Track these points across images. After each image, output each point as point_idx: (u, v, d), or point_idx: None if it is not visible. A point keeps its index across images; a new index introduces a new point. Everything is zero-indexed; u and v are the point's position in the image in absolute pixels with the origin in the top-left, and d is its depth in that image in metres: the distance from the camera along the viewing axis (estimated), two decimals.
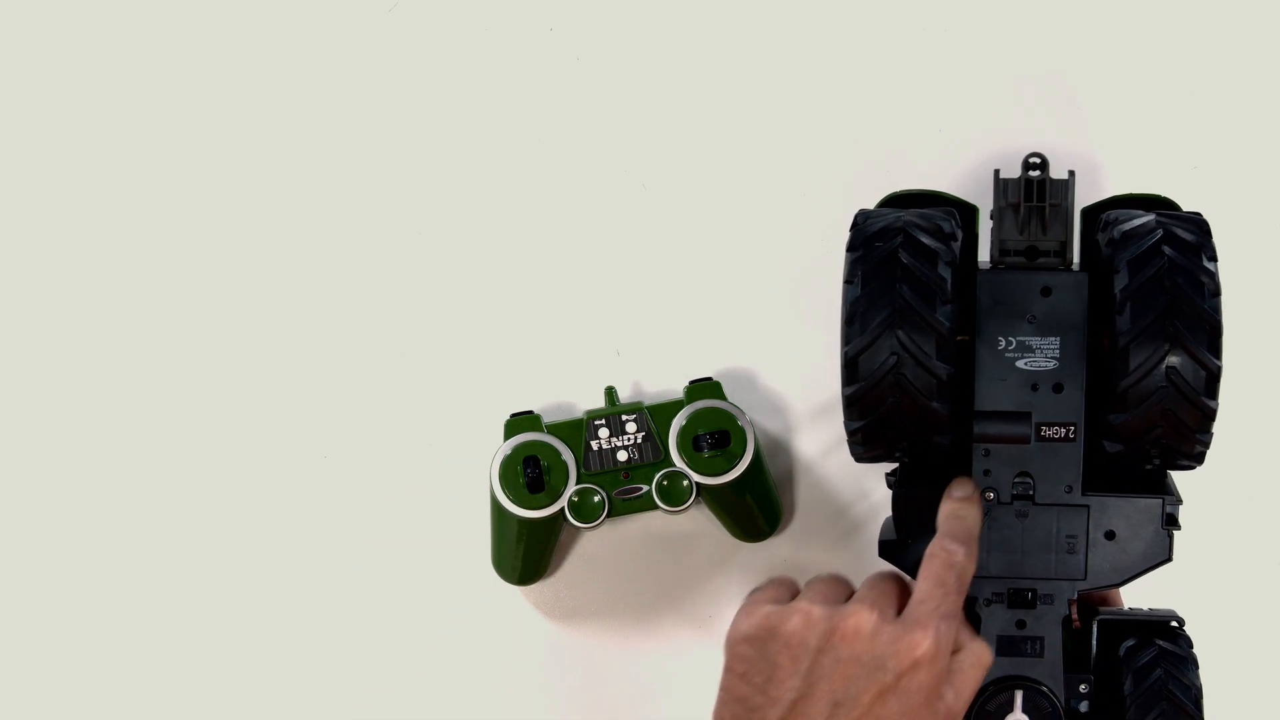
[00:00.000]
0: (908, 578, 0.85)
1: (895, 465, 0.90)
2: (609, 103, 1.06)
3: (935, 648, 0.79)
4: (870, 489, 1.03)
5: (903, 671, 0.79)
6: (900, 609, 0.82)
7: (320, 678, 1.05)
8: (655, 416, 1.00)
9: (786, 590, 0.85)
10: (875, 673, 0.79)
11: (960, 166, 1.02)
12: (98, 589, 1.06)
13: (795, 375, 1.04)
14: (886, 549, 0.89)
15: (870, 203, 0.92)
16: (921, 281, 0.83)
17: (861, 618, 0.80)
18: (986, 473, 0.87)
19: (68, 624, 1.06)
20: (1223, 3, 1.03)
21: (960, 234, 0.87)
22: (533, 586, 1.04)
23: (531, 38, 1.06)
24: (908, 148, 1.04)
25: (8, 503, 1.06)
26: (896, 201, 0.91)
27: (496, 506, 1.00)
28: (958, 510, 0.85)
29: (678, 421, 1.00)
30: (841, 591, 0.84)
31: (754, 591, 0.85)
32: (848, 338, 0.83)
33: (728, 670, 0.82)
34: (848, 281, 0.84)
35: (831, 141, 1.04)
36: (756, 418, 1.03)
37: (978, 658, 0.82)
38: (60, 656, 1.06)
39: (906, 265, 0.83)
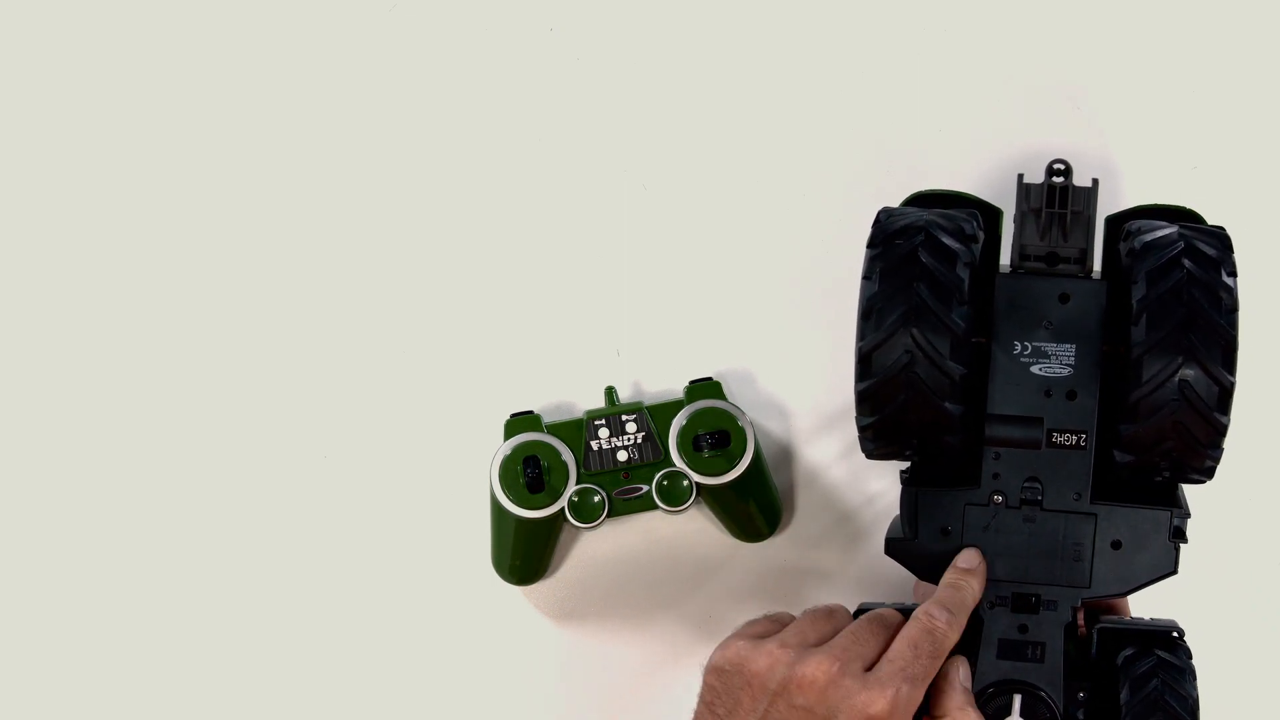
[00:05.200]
0: (898, 617, 0.85)
1: (908, 464, 0.90)
2: (609, 103, 1.06)
3: (890, 709, 0.80)
4: (871, 489, 1.03)
5: None
6: (871, 659, 0.82)
7: (320, 678, 1.05)
8: (655, 416, 1.00)
9: (775, 625, 0.86)
10: None
11: (963, 170, 1.02)
12: (98, 589, 1.06)
13: (795, 375, 1.04)
14: (893, 547, 0.89)
15: (870, 203, 0.92)
16: (939, 281, 0.83)
17: (821, 668, 0.81)
18: (996, 476, 0.87)
19: (67, 624, 1.06)
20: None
21: (982, 236, 0.87)
22: (533, 586, 1.04)
23: (531, 38, 1.06)
24: (910, 148, 1.04)
25: (8, 503, 1.06)
26: (921, 201, 0.92)
27: (496, 506, 1.00)
28: (956, 580, 0.86)
29: (678, 421, 1.00)
30: (825, 629, 0.85)
31: (746, 623, 0.87)
32: (863, 333, 0.84)
33: (700, 698, 0.85)
34: (866, 277, 0.84)
35: (832, 142, 1.04)
36: (757, 418, 1.03)
37: None
38: (60, 656, 1.06)
39: (925, 264, 0.83)
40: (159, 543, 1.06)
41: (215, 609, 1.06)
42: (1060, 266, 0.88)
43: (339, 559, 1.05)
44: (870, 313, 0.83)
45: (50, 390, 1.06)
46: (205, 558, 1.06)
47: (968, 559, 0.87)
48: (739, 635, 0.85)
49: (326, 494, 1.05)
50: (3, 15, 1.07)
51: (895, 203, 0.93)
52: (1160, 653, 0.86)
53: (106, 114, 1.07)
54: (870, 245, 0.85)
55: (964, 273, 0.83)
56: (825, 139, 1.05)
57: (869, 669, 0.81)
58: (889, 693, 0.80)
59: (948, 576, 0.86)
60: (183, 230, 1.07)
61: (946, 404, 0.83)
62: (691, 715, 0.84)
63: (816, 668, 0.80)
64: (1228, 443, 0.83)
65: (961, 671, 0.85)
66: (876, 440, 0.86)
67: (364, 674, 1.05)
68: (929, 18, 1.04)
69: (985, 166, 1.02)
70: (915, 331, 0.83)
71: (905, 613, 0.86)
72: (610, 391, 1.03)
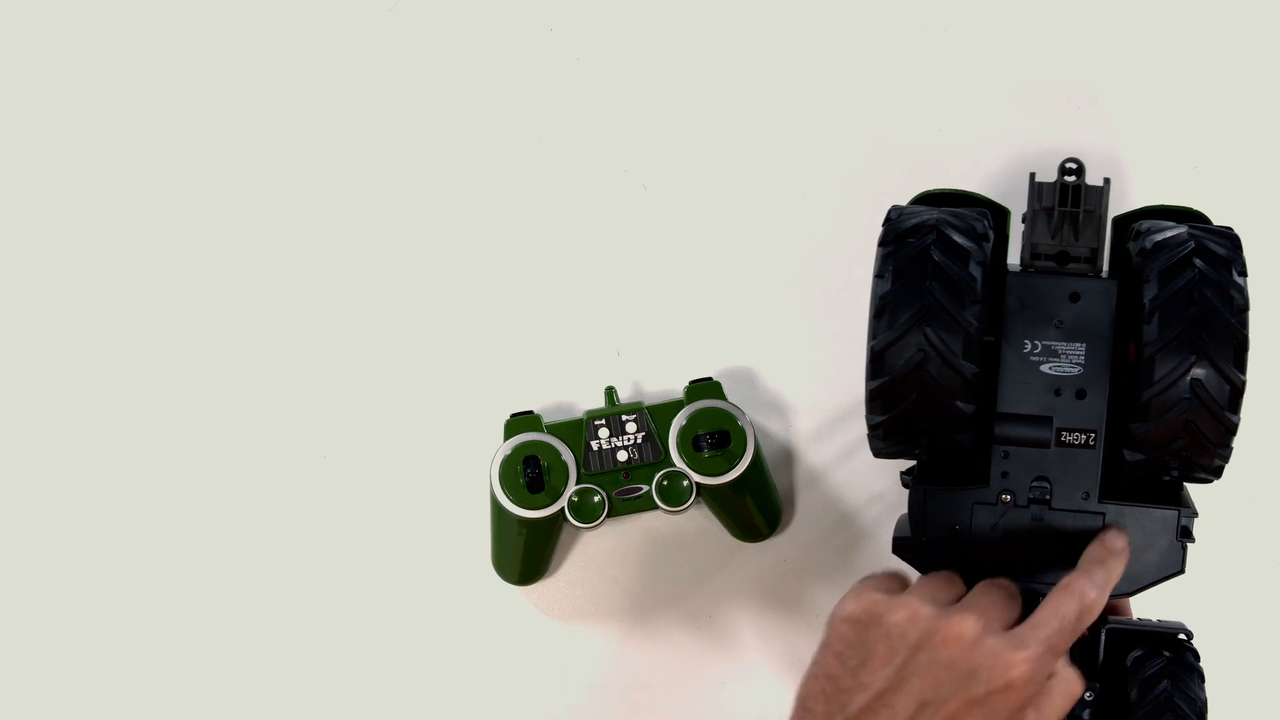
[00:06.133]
0: (1018, 594, 0.84)
1: (910, 464, 0.90)
2: (609, 103, 1.06)
3: (1032, 673, 0.78)
4: (871, 489, 1.04)
5: (994, 688, 0.78)
6: (1006, 624, 0.81)
7: (320, 678, 1.05)
8: (655, 416, 1.00)
9: (898, 582, 0.85)
10: (966, 682, 0.78)
11: (963, 169, 1.02)
12: (98, 588, 1.05)
13: (796, 375, 1.04)
14: (900, 546, 0.89)
15: (870, 203, 0.92)
16: (952, 280, 0.83)
17: (967, 625, 0.79)
18: (1005, 475, 0.87)
19: (67, 623, 1.05)
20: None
21: (993, 235, 0.87)
22: (533, 586, 1.04)
23: (531, 38, 1.06)
24: (910, 148, 1.04)
25: (8, 503, 1.06)
26: (929, 200, 0.91)
27: (496, 506, 1.00)
28: (1105, 559, 0.84)
29: (678, 421, 1.00)
30: (951, 593, 0.83)
31: (866, 577, 0.85)
32: (875, 331, 0.83)
33: (824, 647, 0.82)
34: (878, 276, 0.84)
35: (832, 142, 1.05)
36: (757, 418, 1.03)
37: (1067, 686, 0.81)
38: (60, 656, 1.05)
39: (938, 263, 0.83)
40: (160, 543, 1.05)
41: (215, 609, 1.05)
42: (1071, 265, 0.88)
43: (339, 559, 1.05)
44: (883, 311, 0.83)
45: (51, 391, 1.06)
46: (206, 558, 1.05)
47: (1117, 538, 0.85)
48: (868, 587, 0.83)
49: (326, 494, 1.05)
50: (2, 15, 1.07)
51: (896, 203, 0.92)
52: (1169, 654, 0.86)
53: (107, 115, 1.07)
54: (882, 243, 0.85)
55: (976, 271, 0.83)
56: (826, 139, 1.05)
57: (1007, 631, 0.80)
58: (1032, 657, 0.78)
59: (1096, 551, 0.84)
60: (183, 231, 1.06)
61: (958, 403, 0.83)
62: (810, 664, 0.82)
63: (962, 624, 0.78)
64: (1235, 442, 0.83)
65: None
66: (887, 439, 0.86)
67: (364, 674, 1.05)
68: (934, 17, 1.04)
69: (987, 167, 1.02)
70: (928, 330, 0.82)
71: None
72: (610, 391, 1.03)
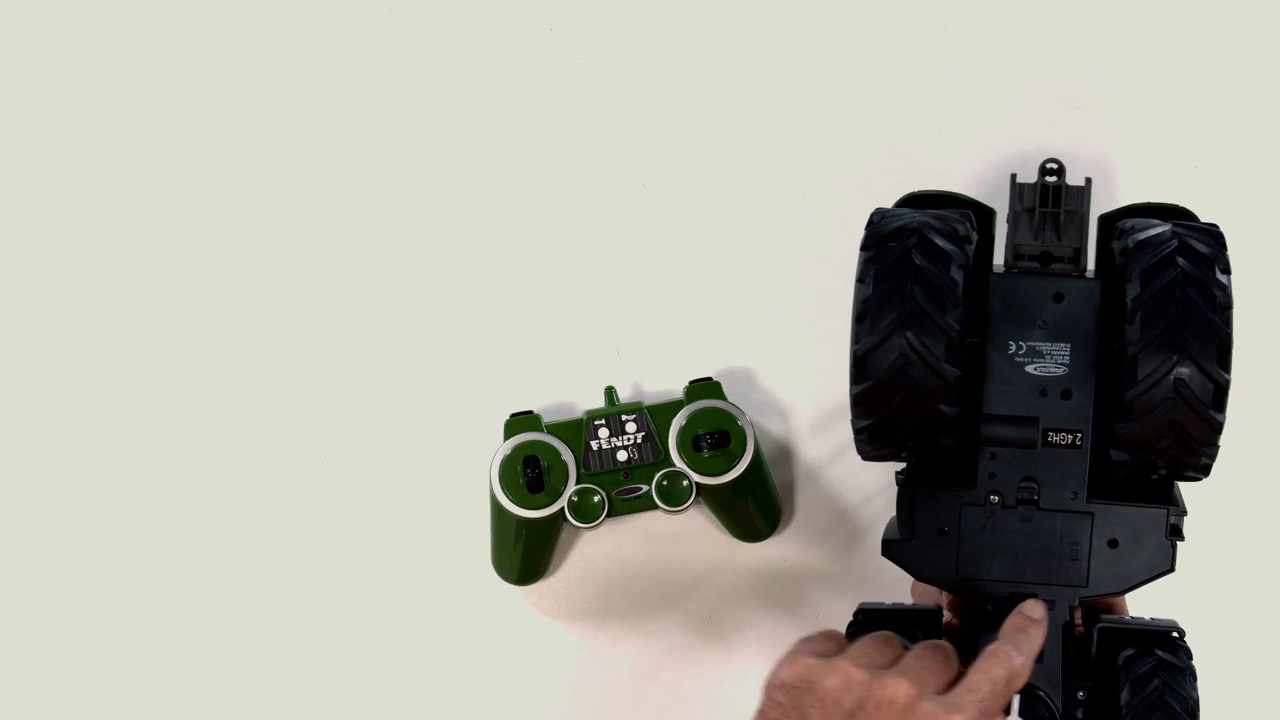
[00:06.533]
0: (955, 656, 0.83)
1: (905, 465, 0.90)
2: (609, 103, 1.06)
3: None
4: (871, 489, 1.03)
5: None
6: (942, 686, 0.80)
7: (320, 678, 1.05)
8: (655, 416, 1.00)
9: (834, 644, 0.84)
10: None
11: (962, 169, 1.02)
12: (98, 588, 1.06)
13: (795, 375, 1.04)
14: (889, 548, 0.88)
15: (870, 203, 0.92)
16: (933, 283, 0.82)
17: (900, 689, 0.78)
18: (992, 476, 0.87)
19: (67, 623, 1.06)
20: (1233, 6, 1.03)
21: (975, 237, 0.87)
22: (533, 586, 1.04)
23: (531, 38, 1.06)
24: (910, 148, 1.04)
25: (8, 503, 1.06)
26: (914, 202, 0.91)
27: (496, 506, 1.00)
28: (1026, 627, 0.83)
29: (677, 421, 1.00)
30: (888, 654, 0.82)
31: (803, 640, 0.84)
32: (857, 336, 0.83)
33: (760, 713, 0.82)
34: (860, 280, 0.84)
35: (831, 142, 1.05)
36: (756, 418, 1.03)
37: None
38: (60, 656, 1.06)
39: (919, 267, 0.83)
40: (160, 542, 1.06)
41: (215, 608, 1.06)
42: (1054, 266, 0.87)
43: (339, 559, 1.05)
44: (865, 315, 0.83)
45: (51, 391, 1.07)
46: (206, 557, 1.06)
47: (1034, 608, 0.85)
48: (803, 651, 0.82)
49: (326, 494, 1.05)
50: (2, 15, 1.08)
51: (894, 203, 0.92)
52: (1161, 653, 0.85)
53: (106, 115, 1.07)
54: (864, 248, 0.85)
55: (958, 274, 0.83)
56: (825, 139, 1.05)
57: (941, 694, 0.80)
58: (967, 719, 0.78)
59: (1017, 622, 0.84)
60: (183, 231, 1.07)
61: (942, 406, 0.83)
62: None
63: (895, 689, 0.78)
64: (1223, 440, 0.82)
65: None
66: (872, 442, 0.86)
67: (364, 674, 1.05)
68: (934, 17, 1.04)
69: (984, 166, 1.02)
70: (910, 334, 0.82)
71: (905, 614, 0.87)
72: (610, 391, 1.03)
